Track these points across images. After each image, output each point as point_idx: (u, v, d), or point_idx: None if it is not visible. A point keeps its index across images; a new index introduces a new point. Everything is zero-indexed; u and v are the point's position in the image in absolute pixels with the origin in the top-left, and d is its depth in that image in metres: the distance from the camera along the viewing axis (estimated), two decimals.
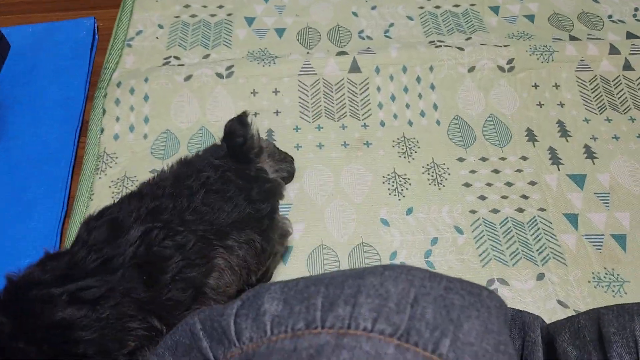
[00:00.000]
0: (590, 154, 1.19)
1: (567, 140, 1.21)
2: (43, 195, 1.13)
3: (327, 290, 0.44)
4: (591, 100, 1.28)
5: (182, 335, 0.49)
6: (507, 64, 1.30)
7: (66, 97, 1.28)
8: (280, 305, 0.44)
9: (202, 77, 1.26)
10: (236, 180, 0.83)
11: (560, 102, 1.27)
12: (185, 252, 0.73)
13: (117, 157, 1.16)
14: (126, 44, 1.36)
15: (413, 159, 1.18)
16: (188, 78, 1.26)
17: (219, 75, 1.27)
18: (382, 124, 1.23)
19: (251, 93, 1.26)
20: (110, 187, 1.12)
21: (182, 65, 1.29)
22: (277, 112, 1.24)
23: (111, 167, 1.15)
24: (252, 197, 0.83)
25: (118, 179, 1.13)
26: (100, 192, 1.11)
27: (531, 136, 1.22)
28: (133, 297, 0.68)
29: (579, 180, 1.15)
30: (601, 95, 1.28)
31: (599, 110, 1.26)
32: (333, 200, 1.11)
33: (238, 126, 0.87)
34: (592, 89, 1.29)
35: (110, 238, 0.69)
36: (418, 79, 1.28)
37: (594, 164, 1.18)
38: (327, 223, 1.08)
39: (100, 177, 1.13)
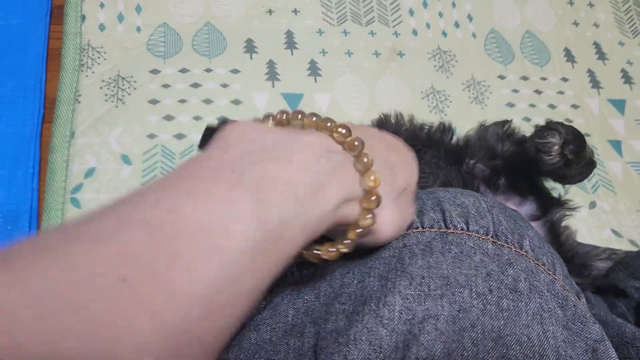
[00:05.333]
0: (627, 79, 1.13)
1: (604, 64, 1.14)
2: (10, 93, 0.90)
3: None
4: (624, 23, 1.21)
5: None
6: None
7: None
8: None
9: None
10: None
11: (595, 22, 1.19)
12: None
13: (105, 53, 0.94)
14: None
15: (451, 74, 1.06)
16: None
17: None
18: (415, 32, 1.09)
19: None
20: (101, 87, 0.91)
21: None
22: (295, 11, 1.06)
23: (99, 63, 0.93)
24: None
25: (110, 78, 0.92)
26: (89, 94, 0.89)
27: (569, 57, 1.13)
28: None
29: (619, 105, 1.09)
30: (633, 19, 1.21)
31: (633, 34, 1.19)
32: (370, 116, 0.97)
33: None
34: (625, 11, 1.22)
35: None
36: None
37: (631, 89, 1.12)
38: None
39: (87, 75, 0.91)
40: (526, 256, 0.46)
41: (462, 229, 0.45)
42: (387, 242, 0.43)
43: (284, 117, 0.38)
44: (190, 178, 0.30)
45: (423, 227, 0.46)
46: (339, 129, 0.37)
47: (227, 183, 0.30)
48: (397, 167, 0.41)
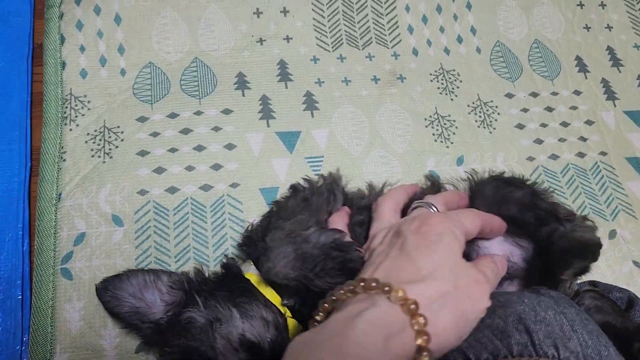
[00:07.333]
0: None
1: (619, 70, 1.07)
2: None
3: (481, 322, 0.47)
4: None
5: None
6: None
7: (5, 12, 0.96)
8: None
9: None
10: None
11: (608, 24, 1.12)
12: None
13: (89, 102, 0.89)
14: None
15: (456, 96, 0.99)
16: None
17: None
18: (415, 52, 1.02)
19: (254, 13, 1.00)
20: (87, 142, 0.86)
21: None
22: (287, 38, 0.99)
23: (83, 114, 0.88)
24: None
25: (96, 130, 0.87)
26: (74, 150, 0.85)
27: (581, 66, 1.06)
28: None
29: (637, 117, 1.03)
30: None
31: None
32: (372, 150, 0.92)
33: None
34: (639, 9, 1.14)
35: None
36: None
37: None
38: (367, 178, 0.88)
39: (70, 129, 0.86)
40: None
41: (553, 356, 0.45)
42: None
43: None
44: None
45: (512, 356, 0.45)
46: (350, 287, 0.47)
47: None
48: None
